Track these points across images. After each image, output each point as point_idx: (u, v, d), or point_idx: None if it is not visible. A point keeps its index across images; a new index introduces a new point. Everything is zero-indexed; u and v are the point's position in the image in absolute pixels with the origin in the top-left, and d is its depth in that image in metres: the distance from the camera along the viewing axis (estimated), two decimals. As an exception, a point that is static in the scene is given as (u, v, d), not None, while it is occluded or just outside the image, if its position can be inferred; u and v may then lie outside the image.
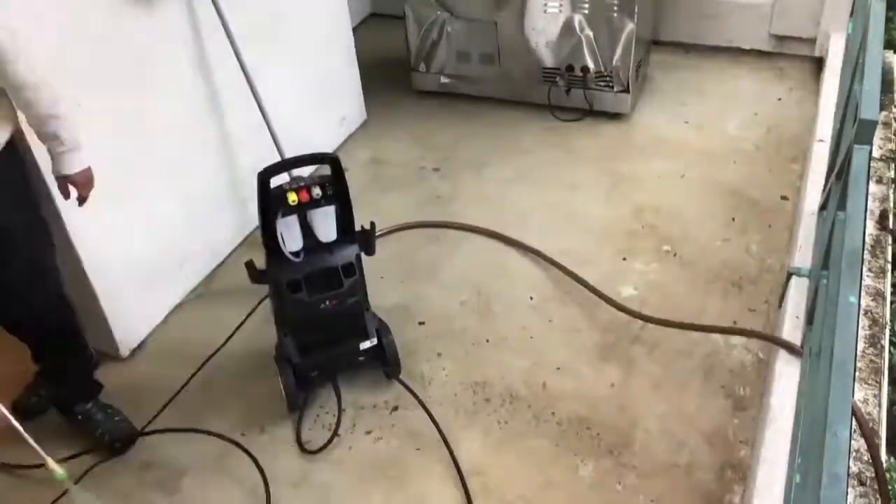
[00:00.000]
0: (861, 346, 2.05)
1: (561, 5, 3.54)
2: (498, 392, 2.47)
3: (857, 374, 1.96)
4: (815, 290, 2.14)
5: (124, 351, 2.66)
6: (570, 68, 3.68)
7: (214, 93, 2.82)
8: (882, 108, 2.98)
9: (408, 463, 2.27)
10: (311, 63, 3.37)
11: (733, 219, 3.11)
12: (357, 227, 2.36)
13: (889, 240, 2.45)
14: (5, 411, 1.76)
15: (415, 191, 3.43)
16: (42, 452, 1.78)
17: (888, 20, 2.96)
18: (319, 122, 3.53)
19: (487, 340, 2.66)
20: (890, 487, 1.89)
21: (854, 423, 1.63)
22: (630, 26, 3.47)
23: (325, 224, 2.30)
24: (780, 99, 3.86)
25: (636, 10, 3.42)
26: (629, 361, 2.54)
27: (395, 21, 4.14)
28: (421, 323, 2.74)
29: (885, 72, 3.12)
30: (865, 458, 1.73)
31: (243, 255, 2.47)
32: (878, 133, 2.85)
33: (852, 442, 1.67)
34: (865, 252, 2.30)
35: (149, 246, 2.67)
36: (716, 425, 2.30)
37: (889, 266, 2.34)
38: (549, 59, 3.71)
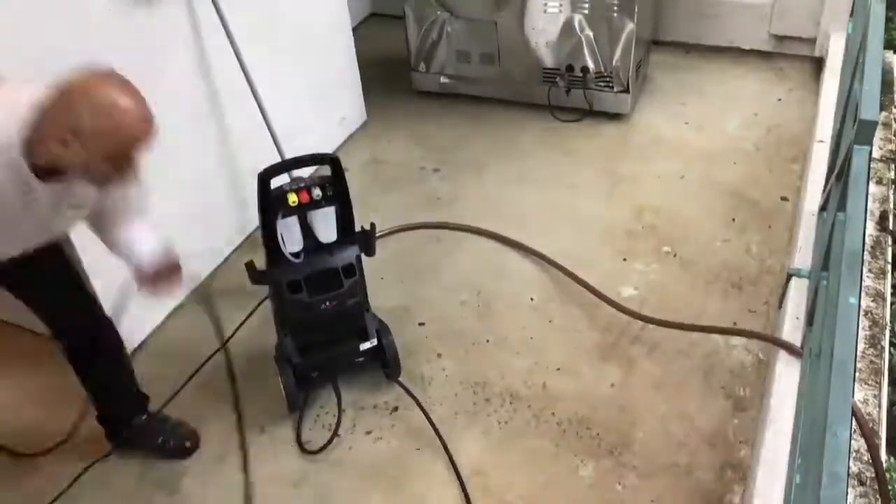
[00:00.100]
0: (861, 346, 2.05)
1: (561, 5, 3.54)
2: (498, 392, 2.47)
3: (857, 374, 1.96)
4: (815, 290, 2.14)
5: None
6: (570, 68, 3.68)
7: (214, 93, 2.83)
8: (882, 108, 2.98)
9: (408, 463, 2.27)
10: (311, 63, 3.37)
11: (733, 219, 3.11)
12: (357, 228, 2.36)
13: (889, 241, 2.45)
14: None
15: (415, 191, 3.43)
16: None
17: (888, 20, 2.97)
18: (319, 123, 3.53)
19: (487, 341, 2.66)
20: (890, 487, 1.89)
21: (854, 423, 1.63)
22: (630, 26, 3.47)
23: (326, 225, 2.30)
24: (780, 99, 3.86)
25: (636, 10, 3.42)
26: (629, 361, 2.54)
27: (395, 21, 4.14)
28: (421, 323, 2.74)
29: (885, 72, 3.12)
30: (865, 458, 1.73)
31: (243, 256, 2.47)
32: (878, 133, 2.85)
33: (852, 442, 1.67)
34: (865, 253, 2.30)
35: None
36: (716, 425, 2.31)
37: (889, 267, 2.35)
38: (549, 60, 3.71)
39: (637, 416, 2.36)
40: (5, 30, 2.03)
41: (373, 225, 2.37)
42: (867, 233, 2.44)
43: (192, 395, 2.52)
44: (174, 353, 2.66)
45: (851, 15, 3.54)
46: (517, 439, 2.32)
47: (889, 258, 2.39)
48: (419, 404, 2.41)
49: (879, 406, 1.91)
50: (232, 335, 2.67)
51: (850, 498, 1.65)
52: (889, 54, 3.50)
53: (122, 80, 1.49)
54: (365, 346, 2.42)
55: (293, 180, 2.30)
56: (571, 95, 3.76)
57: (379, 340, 2.43)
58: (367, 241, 2.37)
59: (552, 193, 3.34)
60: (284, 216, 2.23)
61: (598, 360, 2.56)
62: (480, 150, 3.65)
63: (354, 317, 2.38)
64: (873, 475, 1.70)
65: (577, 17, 3.54)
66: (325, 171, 2.27)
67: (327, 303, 2.29)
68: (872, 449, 1.72)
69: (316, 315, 2.29)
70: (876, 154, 2.85)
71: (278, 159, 2.76)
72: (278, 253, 2.26)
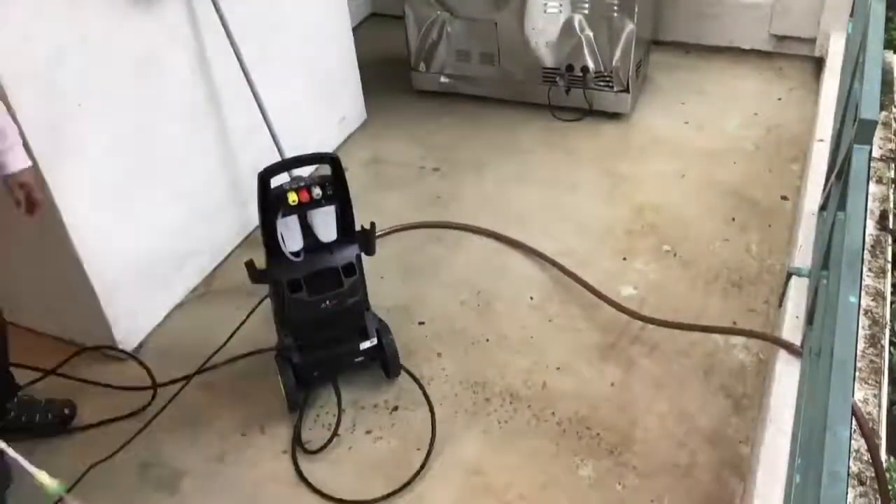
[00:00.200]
0: (861, 346, 2.05)
1: (561, 5, 3.54)
2: (498, 392, 2.47)
3: (857, 374, 1.96)
4: (815, 290, 2.14)
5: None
6: (570, 68, 3.68)
7: (214, 92, 2.82)
8: (882, 108, 2.98)
9: (408, 463, 2.27)
10: (311, 63, 3.37)
11: (733, 219, 3.11)
12: (357, 227, 2.36)
13: (889, 240, 2.46)
14: None
15: (415, 191, 3.43)
16: (32, 467, 1.63)
17: (888, 20, 2.97)
18: (319, 122, 3.53)
19: (487, 340, 2.66)
20: (890, 487, 1.89)
21: (854, 423, 1.63)
22: (630, 26, 3.47)
23: (326, 224, 2.30)
24: (780, 99, 3.86)
25: (636, 10, 3.42)
26: (629, 361, 2.54)
27: (395, 21, 4.14)
28: (421, 323, 2.74)
29: (885, 72, 3.13)
30: (865, 458, 1.73)
31: (243, 255, 2.46)
32: (878, 133, 2.85)
33: (852, 442, 1.68)
34: (865, 252, 2.31)
35: (149, 245, 2.67)
36: (716, 425, 2.30)
37: (889, 266, 2.35)
38: (549, 59, 3.71)
39: (637, 415, 2.36)
40: (5, 30, 2.03)
41: (373, 224, 2.37)
42: (867, 232, 2.44)
43: (193, 394, 2.52)
44: (174, 353, 2.66)
45: (851, 15, 3.53)
46: (517, 439, 2.32)
47: (889, 257, 2.39)
48: (426, 395, 2.41)
49: (879, 405, 1.91)
50: (232, 335, 2.67)
51: (850, 497, 1.65)
52: (889, 54, 3.51)
53: None
54: (365, 345, 2.42)
55: (293, 179, 2.30)
56: (571, 95, 3.76)
57: (379, 340, 2.43)
58: (366, 240, 2.37)
59: (552, 193, 3.34)
60: (284, 215, 2.23)
61: (598, 359, 2.56)
62: (480, 150, 3.65)
63: (354, 316, 2.38)
64: (873, 475, 1.70)
65: (577, 17, 3.54)
66: (325, 170, 2.27)
67: (327, 302, 2.29)
68: (872, 449, 1.72)
69: (316, 314, 2.29)
70: (876, 153, 2.85)
71: (278, 159, 2.76)
72: (278, 252, 2.26)
